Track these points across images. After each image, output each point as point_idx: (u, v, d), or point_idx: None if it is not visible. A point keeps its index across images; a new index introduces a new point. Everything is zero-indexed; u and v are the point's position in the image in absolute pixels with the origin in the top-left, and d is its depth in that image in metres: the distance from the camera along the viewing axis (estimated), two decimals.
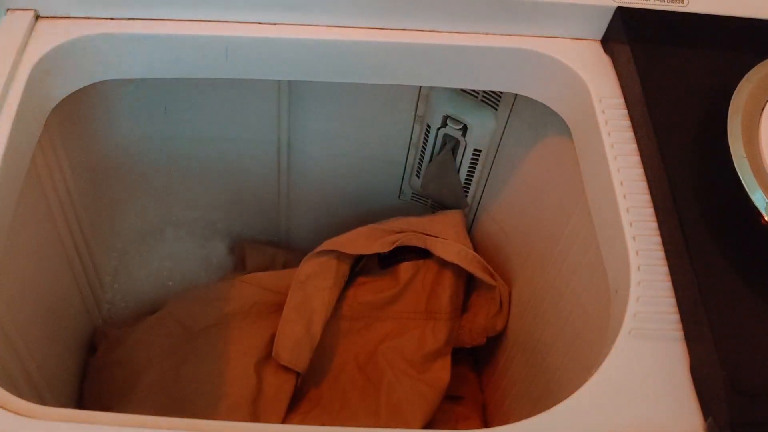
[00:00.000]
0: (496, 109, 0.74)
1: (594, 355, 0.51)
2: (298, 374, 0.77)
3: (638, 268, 0.48)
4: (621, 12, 0.58)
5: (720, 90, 0.53)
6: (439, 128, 0.79)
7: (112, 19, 0.59)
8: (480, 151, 0.78)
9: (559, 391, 0.64)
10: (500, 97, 0.73)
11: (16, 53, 0.55)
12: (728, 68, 0.54)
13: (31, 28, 0.57)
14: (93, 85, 0.60)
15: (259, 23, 0.59)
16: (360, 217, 0.92)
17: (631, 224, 0.50)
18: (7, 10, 0.58)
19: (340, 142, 0.84)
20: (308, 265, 0.79)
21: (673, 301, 0.47)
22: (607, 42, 0.60)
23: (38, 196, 0.64)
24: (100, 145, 0.77)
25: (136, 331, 0.79)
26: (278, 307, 0.80)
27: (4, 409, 0.41)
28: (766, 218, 0.47)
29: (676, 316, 0.46)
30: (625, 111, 0.56)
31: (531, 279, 0.76)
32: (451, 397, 0.79)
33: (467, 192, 0.83)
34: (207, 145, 0.82)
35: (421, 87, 0.77)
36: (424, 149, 0.82)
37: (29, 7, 0.58)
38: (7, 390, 0.42)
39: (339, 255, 0.80)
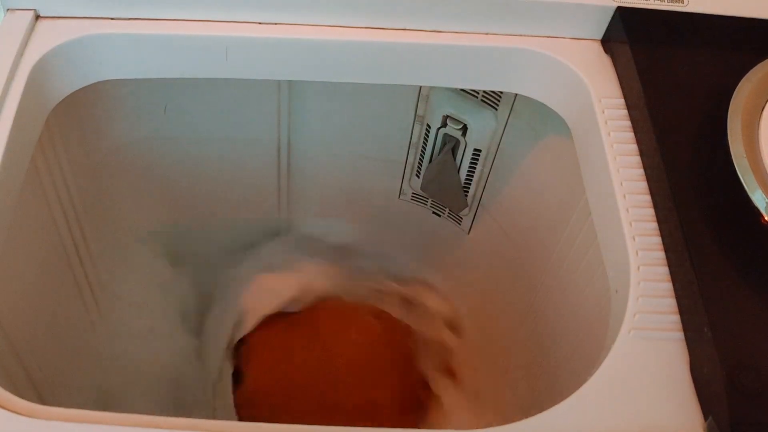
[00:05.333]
0: (496, 109, 0.74)
1: (594, 355, 0.51)
2: None
3: (638, 268, 0.48)
4: (621, 12, 0.58)
5: (720, 90, 0.53)
6: (439, 128, 0.79)
7: (112, 19, 0.59)
8: (480, 151, 0.78)
9: (559, 390, 0.64)
10: (500, 97, 0.73)
11: (16, 53, 0.55)
12: (728, 68, 0.54)
13: (31, 28, 0.57)
14: (93, 85, 0.60)
15: (259, 23, 0.60)
16: (360, 217, 0.93)
17: (631, 224, 0.50)
18: (7, 10, 0.58)
19: (340, 141, 0.84)
20: None
21: (673, 301, 0.47)
22: (607, 42, 0.60)
23: (38, 196, 0.64)
24: (100, 145, 0.77)
25: None
26: None
27: (4, 409, 0.41)
28: (766, 218, 0.47)
29: (676, 316, 0.46)
30: (625, 111, 0.56)
31: (531, 279, 0.76)
32: None
33: (467, 192, 0.83)
34: (207, 145, 0.82)
35: (421, 87, 0.77)
36: (424, 149, 0.82)
37: (29, 7, 0.58)
38: (7, 390, 0.42)
39: None
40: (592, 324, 0.59)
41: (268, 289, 0.92)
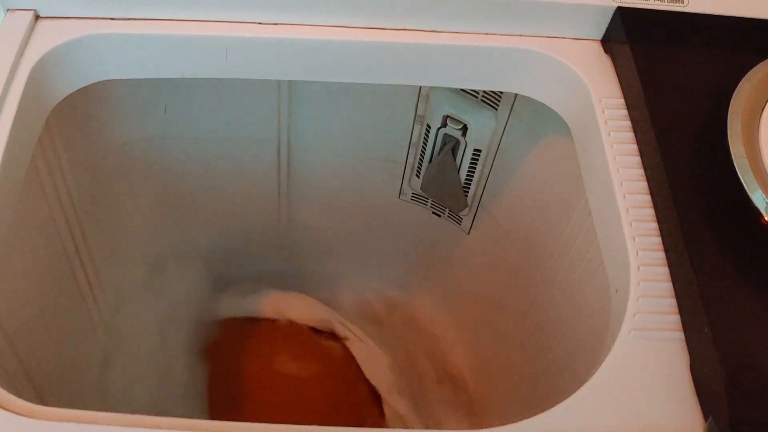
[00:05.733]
0: (496, 109, 0.74)
1: (594, 355, 0.51)
2: None
3: (638, 268, 0.48)
4: (621, 12, 0.58)
5: (720, 90, 0.53)
6: (439, 128, 0.79)
7: (112, 19, 0.59)
8: (480, 151, 0.78)
9: (559, 391, 0.64)
10: (500, 97, 0.73)
11: (16, 53, 0.55)
12: (728, 68, 0.54)
13: (31, 28, 0.57)
14: (93, 85, 0.60)
15: (259, 23, 0.59)
16: (360, 217, 0.93)
17: (631, 224, 0.50)
18: (7, 10, 0.58)
19: (340, 141, 0.84)
20: None
21: (673, 301, 0.47)
22: (607, 42, 0.60)
23: (38, 196, 0.64)
24: (100, 145, 0.77)
25: None
26: None
27: (4, 409, 0.41)
28: (766, 218, 0.47)
29: (676, 316, 0.46)
30: (625, 111, 0.56)
31: (531, 279, 0.76)
32: None
33: (467, 192, 0.83)
34: (207, 145, 0.82)
35: (421, 87, 0.77)
36: (424, 149, 0.82)
37: (29, 7, 0.58)
38: (7, 390, 0.42)
39: None
40: (592, 324, 0.59)
41: (258, 294, 0.93)
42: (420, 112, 0.79)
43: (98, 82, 0.60)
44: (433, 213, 0.90)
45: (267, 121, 0.80)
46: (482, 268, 0.88)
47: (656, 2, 0.58)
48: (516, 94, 0.71)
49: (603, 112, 0.56)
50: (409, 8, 0.59)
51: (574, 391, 0.43)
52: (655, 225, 0.50)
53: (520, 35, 0.61)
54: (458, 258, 0.91)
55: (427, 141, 0.81)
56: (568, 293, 0.66)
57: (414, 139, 0.82)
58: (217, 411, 0.86)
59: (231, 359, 0.89)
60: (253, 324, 0.93)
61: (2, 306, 0.57)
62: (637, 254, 0.48)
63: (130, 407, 0.83)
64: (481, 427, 0.41)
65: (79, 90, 0.60)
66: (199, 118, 0.80)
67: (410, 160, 0.85)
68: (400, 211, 0.91)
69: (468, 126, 0.76)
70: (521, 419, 0.42)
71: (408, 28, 0.60)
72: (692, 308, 0.45)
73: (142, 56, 0.59)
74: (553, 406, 0.43)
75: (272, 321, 0.93)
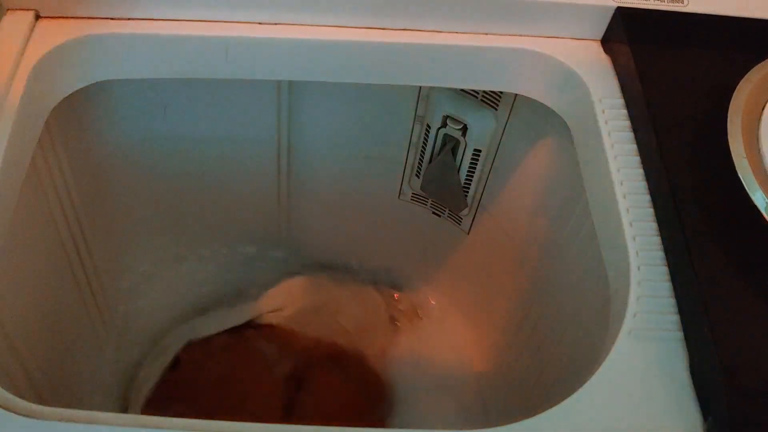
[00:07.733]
0: (496, 109, 0.74)
1: (594, 355, 0.51)
2: None
3: (638, 268, 0.48)
4: (621, 12, 0.58)
5: (720, 90, 0.53)
6: (439, 128, 0.78)
7: (112, 19, 0.59)
8: (480, 151, 0.78)
9: (559, 390, 0.64)
10: (500, 97, 0.73)
11: (16, 53, 0.55)
12: (728, 68, 0.54)
13: (31, 28, 0.57)
14: (93, 85, 0.60)
15: (259, 23, 0.60)
16: (360, 217, 0.93)
17: (631, 224, 0.50)
18: (7, 10, 0.58)
19: (340, 142, 0.84)
20: None
21: (673, 301, 0.47)
22: (607, 42, 0.60)
23: (38, 196, 0.64)
24: (100, 145, 0.77)
25: None
26: None
27: (4, 409, 0.41)
28: (766, 218, 0.47)
29: (676, 316, 0.46)
30: (625, 111, 0.56)
31: (531, 279, 0.76)
32: None
33: (467, 192, 0.83)
34: (207, 145, 0.82)
35: (421, 87, 0.77)
36: (424, 149, 0.82)
37: (29, 7, 0.58)
38: (7, 390, 0.42)
39: None
40: (592, 324, 0.59)
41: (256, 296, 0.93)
42: (420, 112, 0.79)
43: (98, 82, 0.60)
44: (433, 213, 0.90)
45: (267, 122, 0.80)
46: (482, 268, 0.88)
47: (656, 2, 0.58)
48: (516, 94, 0.71)
49: (603, 112, 0.56)
50: (409, 8, 0.59)
51: (574, 391, 0.43)
52: (655, 225, 0.50)
53: (520, 35, 0.61)
54: (458, 258, 0.91)
55: (427, 141, 0.81)
56: (568, 293, 0.66)
57: (414, 139, 0.82)
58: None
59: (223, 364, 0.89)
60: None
61: (2, 306, 0.57)
62: (637, 254, 0.48)
63: (131, 405, 0.83)
64: (482, 426, 0.41)
65: (79, 90, 0.60)
66: (199, 119, 0.80)
67: (410, 160, 0.85)
68: (400, 211, 0.91)
69: (468, 126, 0.76)
70: (521, 419, 0.42)
71: (408, 28, 0.60)
72: (692, 308, 0.45)
73: (142, 56, 0.59)
74: (553, 405, 0.43)
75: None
